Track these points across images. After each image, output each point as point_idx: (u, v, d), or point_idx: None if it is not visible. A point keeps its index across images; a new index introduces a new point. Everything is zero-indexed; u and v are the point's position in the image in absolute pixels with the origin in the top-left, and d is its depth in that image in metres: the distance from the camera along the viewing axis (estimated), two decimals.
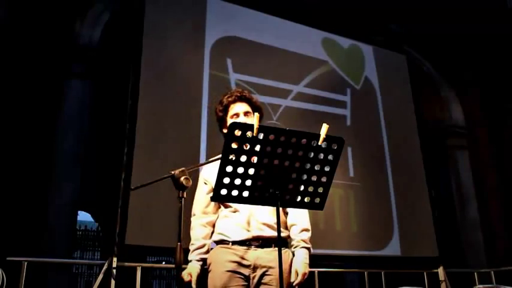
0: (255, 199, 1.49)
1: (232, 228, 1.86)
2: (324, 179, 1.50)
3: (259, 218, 1.85)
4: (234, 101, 2.00)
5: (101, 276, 3.25)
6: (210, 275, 1.84)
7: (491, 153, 6.60)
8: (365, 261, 4.58)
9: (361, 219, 4.64)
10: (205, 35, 4.38)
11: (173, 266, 1.68)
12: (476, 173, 6.56)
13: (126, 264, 3.37)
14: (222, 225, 1.91)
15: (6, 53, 4.21)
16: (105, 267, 3.27)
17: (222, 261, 1.81)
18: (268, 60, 4.67)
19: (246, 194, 1.46)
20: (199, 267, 1.86)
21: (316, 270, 4.00)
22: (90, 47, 4.81)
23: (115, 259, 3.28)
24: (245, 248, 1.82)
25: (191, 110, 4.06)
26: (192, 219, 1.98)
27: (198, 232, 1.93)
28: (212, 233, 1.95)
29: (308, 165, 1.46)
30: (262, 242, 1.82)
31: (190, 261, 1.89)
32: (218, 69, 4.33)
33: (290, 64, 4.82)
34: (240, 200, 1.47)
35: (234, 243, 1.84)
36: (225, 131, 2.03)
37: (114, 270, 3.26)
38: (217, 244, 1.90)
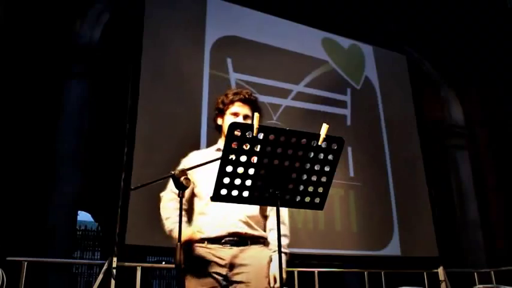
0: (255, 199, 1.49)
1: (208, 225, 1.84)
2: (323, 179, 1.50)
3: (236, 215, 1.83)
4: (239, 100, 1.99)
5: (101, 276, 3.25)
6: (187, 276, 1.79)
7: (491, 153, 6.59)
8: (365, 261, 4.58)
9: (361, 219, 4.64)
10: (205, 34, 4.38)
11: (173, 266, 1.68)
12: (476, 173, 6.55)
13: (126, 264, 3.37)
14: (198, 222, 1.88)
15: (5, 53, 4.21)
16: (105, 267, 3.27)
17: (200, 262, 1.79)
18: (268, 60, 4.67)
19: (246, 194, 1.46)
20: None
21: (316, 270, 4.01)
22: (90, 47, 4.80)
23: (115, 259, 3.28)
24: (220, 246, 1.80)
25: (191, 109, 4.06)
26: (168, 197, 1.92)
27: (174, 214, 1.84)
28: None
29: (308, 165, 1.46)
30: (238, 239, 1.81)
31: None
32: (218, 68, 4.33)
33: (290, 64, 4.82)
34: (240, 200, 1.47)
35: (209, 241, 1.81)
36: (219, 122, 2.04)
37: (114, 270, 3.26)
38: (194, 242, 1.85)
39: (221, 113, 2.02)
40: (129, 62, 4.03)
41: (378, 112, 5.35)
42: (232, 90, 2.04)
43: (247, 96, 2.00)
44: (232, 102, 1.99)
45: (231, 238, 1.81)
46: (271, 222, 1.92)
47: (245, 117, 1.97)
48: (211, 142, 3.95)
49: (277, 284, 1.75)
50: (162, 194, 1.96)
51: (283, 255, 1.76)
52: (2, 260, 2.98)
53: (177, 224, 1.64)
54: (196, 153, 2.07)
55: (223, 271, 1.77)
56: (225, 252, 1.79)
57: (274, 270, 1.79)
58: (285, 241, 1.88)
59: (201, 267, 1.77)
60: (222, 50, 4.42)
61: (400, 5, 5.95)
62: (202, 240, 1.82)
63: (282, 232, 1.80)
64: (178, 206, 1.68)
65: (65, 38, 4.60)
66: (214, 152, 2.01)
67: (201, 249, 1.81)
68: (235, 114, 1.97)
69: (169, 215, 1.89)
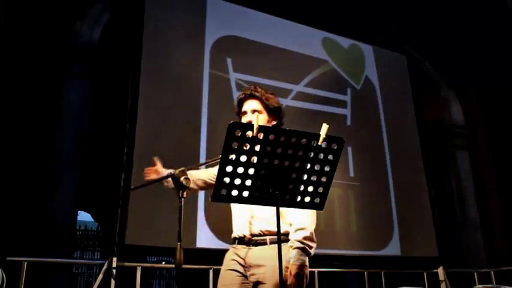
0: (255, 199, 1.48)
1: (235, 226, 1.93)
2: (323, 179, 1.50)
3: (256, 215, 1.85)
4: (244, 98, 1.99)
5: (100, 276, 3.25)
6: (220, 274, 1.90)
7: (491, 153, 6.59)
8: (365, 261, 4.58)
9: (361, 219, 4.64)
10: (205, 34, 4.38)
11: (173, 266, 1.68)
12: (476, 173, 6.55)
13: (126, 264, 3.37)
14: (233, 223, 1.98)
15: (5, 53, 4.21)
16: (105, 267, 3.27)
17: (227, 260, 1.88)
18: (268, 59, 4.67)
19: (245, 194, 1.45)
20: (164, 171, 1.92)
21: (316, 270, 4.00)
22: (90, 47, 4.80)
23: (115, 259, 3.28)
24: (243, 246, 1.85)
25: (191, 109, 4.06)
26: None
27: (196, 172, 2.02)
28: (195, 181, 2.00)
29: (308, 165, 1.46)
30: (258, 239, 1.83)
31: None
32: (218, 68, 4.33)
33: (290, 64, 4.82)
34: (240, 199, 1.47)
35: (238, 241, 1.89)
36: None
37: (114, 270, 3.26)
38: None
39: (239, 116, 2.04)
40: (129, 61, 4.03)
41: (378, 112, 5.35)
42: (240, 91, 2.06)
43: (249, 92, 1.99)
44: (240, 102, 2.00)
45: (250, 237, 1.84)
46: (289, 218, 1.85)
47: (254, 111, 1.95)
48: (210, 141, 3.97)
49: (289, 281, 1.69)
50: None
51: (299, 250, 1.74)
52: (2, 260, 2.97)
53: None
54: None
55: (244, 270, 1.81)
56: (245, 253, 1.82)
57: (289, 265, 1.73)
58: (301, 234, 1.78)
59: (228, 266, 1.85)
60: (222, 50, 4.42)
61: (400, 5, 5.95)
62: (233, 241, 1.92)
63: (298, 226, 1.78)
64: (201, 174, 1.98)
65: (65, 38, 4.60)
66: None
67: (232, 249, 1.90)
68: (244, 113, 1.98)
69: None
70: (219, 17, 4.53)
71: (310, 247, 1.78)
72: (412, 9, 6.04)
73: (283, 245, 1.76)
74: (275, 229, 1.69)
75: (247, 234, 1.85)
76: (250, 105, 1.97)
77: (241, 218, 1.89)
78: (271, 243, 1.80)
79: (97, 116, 5.77)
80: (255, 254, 1.81)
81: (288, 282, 1.70)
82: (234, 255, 1.86)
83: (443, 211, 5.79)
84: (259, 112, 1.95)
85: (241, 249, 1.85)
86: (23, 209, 4.08)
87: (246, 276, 1.81)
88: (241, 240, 1.86)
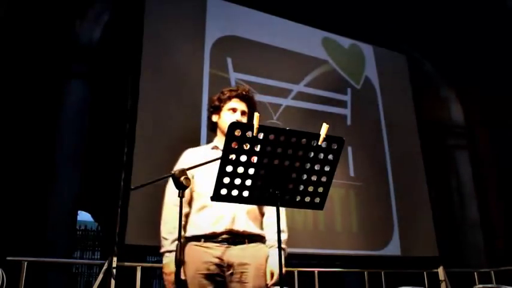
0: (255, 199, 1.49)
1: (205, 222, 1.81)
2: (323, 179, 1.50)
3: (233, 212, 1.81)
4: (236, 96, 2.00)
5: (100, 276, 3.25)
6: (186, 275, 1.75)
7: (491, 153, 6.59)
8: (365, 261, 4.58)
9: (361, 219, 4.64)
10: (206, 34, 4.39)
11: None
12: (476, 173, 6.55)
13: (126, 264, 3.37)
14: (194, 219, 1.85)
15: (5, 53, 4.20)
16: (105, 267, 3.27)
17: (196, 261, 1.75)
18: (269, 59, 4.67)
19: (245, 193, 1.46)
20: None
21: (316, 270, 4.00)
22: (90, 47, 4.80)
23: (115, 259, 3.29)
24: (217, 244, 1.77)
25: (191, 109, 4.06)
26: (170, 205, 1.85)
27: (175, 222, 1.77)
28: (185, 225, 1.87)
29: (308, 165, 1.46)
30: (235, 237, 1.78)
31: (169, 252, 1.78)
32: (218, 68, 4.33)
33: (290, 64, 4.82)
34: (240, 199, 1.47)
35: (206, 238, 1.78)
36: (214, 119, 2.04)
37: (114, 270, 3.26)
38: (189, 241, 1.82)
39: (217, 110, 2.03)
40: (129, 61, 4.03)
41: (378, 112, 5.35)
42: (229, 88, 2.07)
43: (244, 93, 2.01)
44: (229, 98, 2.01)
45: (227, 236, 1.78)
46: (268, 219, 1.90)
47: (242, 113, 1.98)
48: (211, 141, 3.97)
49: (273, 281, 1.75)
50: (167, 194, 1.90)
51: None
52: (2, 260, 2.97)
53: (172, 235, 1.76)
54: (191, 151, 2.07)
55: (220, 271, 1.75)
56: (222, 252, 1.76)
57: (272, 266, 1.78)
58: (283, 236, 1.78)
59: (198, 267, 1.74)
60: (222, 50, 4.42)
61: (400, 5, 5.95)
62: (198, 238, 1.80)
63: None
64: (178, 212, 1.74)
65: (65, 38, 4.59)
66: (210, 150, 2.02)
67: (198, 248, 1.78)
68: (233, 110, 1.98)
69: (171, 230, 1.80)
70: (219, 17, 4.53)
71: (284, 250, 1.86)
72: (412, 9, 6.03)
73: (260, 246, 1.83)
74: (255, 230, 1.83)
75: (229, 232, 1.78)
76: (240, 105, 1.99)
77: (225, 216, 1.79)
78: (249, 242, 1.80)
79: (97, 116, 5.76)
80: (236, 253, 1.76)
81: (272, 282, 1.75)
82: (206, 255, 1.75)
83: (443, 211, 5.79)
84: (245, 115, 1.99)
85: (217, 248, 1.76)
86: (23, 209, 4.08)
87: (224, 277, 1.75)
88: (214, 237, 1.77)
